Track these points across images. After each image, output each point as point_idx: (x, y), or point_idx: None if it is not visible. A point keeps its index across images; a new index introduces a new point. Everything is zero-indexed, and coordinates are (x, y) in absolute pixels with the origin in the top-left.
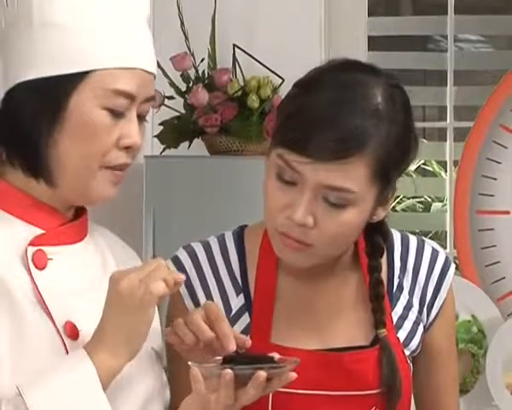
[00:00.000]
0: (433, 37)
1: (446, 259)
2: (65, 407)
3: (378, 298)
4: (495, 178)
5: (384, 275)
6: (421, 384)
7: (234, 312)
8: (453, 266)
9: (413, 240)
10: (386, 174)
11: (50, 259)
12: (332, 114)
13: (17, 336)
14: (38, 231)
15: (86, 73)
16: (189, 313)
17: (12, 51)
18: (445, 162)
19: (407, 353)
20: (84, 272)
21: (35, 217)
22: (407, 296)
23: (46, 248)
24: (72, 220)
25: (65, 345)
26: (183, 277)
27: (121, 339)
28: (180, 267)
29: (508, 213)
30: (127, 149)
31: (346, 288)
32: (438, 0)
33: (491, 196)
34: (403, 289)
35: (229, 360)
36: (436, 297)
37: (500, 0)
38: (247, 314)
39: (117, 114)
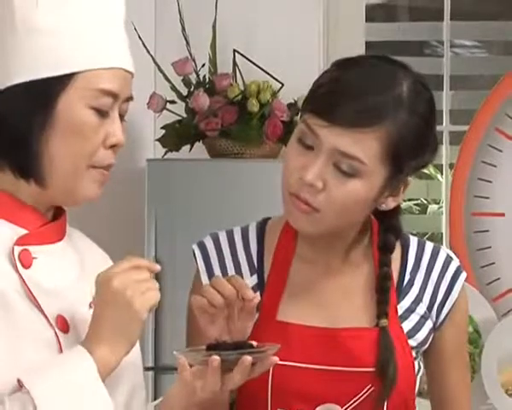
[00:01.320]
0: (430, 42)
1: (459, 265)
2: (69, 401)
3: (384, 290)
4: (490, 181)
5: (396, 270)
6: (435, 383)
7: None
8: (465, 273)
9: (429, 244)
10: (398, 160)
11: (35, 258)
12: (357, 88)
13: (12, 332)
14: (21, 231)
15: (73, 74)
16: (214, 277)
17: None
18: (441, 165)
19: (413, 344)
20: (66, 270)
21: (18, 217)
22: (417, 291)
23: (30, 248)
24: (52, 221)
25: (58, 339)
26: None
27: (118, 335)
28: (203, 249)
29: (502, 215)
30: (112, 147)
31: (357, 277)
32: (434, 6)
33: (487, 198)
34: (413, 284)
35: (212, 348)
36: (448, 297)
37: (495, 6)
38: (258, 293)
39: (102, 114)
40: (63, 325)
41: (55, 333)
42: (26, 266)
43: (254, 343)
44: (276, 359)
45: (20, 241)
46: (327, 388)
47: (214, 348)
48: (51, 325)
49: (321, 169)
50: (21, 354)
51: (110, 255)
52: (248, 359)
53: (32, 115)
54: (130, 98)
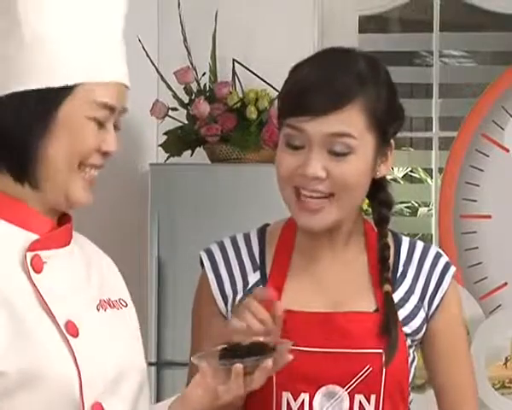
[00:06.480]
0: (420, 52)
1: (448, 261)
2: None
3: (384, 259)
4: (477, 185)
5: (390, 263)
6: (435, 373)
7: (250, 285)
8: (454, 267)
9: (420, 242)
10: (380, 126)
11: (45, 262)
12: (322, 76)
13: (20, 343)
14: (31, 236)
15: (74, 86)
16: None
17: None
18: (431, 170)
19: (408, 331)
20: (74, 274)
21: (29, 223)
22: (410, 282)
23: (41, 253)
24: (58, 225)
25: (69, 344)
26: None
27: None
28: (208, 252)
29: (489, 217)
30: (105, 154)
31: (354, 267)
32: (424, 18)
33: (474, 201)
34: (406, 276)
35: (227, 351)
36: (438, 288)
37: (482, 18)
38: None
39: (99, 124)
40: (73, 329)
41: (66, 339)
42: (38, 271)
43: (268, 340)
44: (290, 357)
45: (32, 246)
46: (328, 369)
47: (229, 351)
48: (61, 331)
49: (318, 159)
50: (31, 360)
51: (113, 257)
52: (269, 363)
53: (32, 122)
54: (125, 111)
